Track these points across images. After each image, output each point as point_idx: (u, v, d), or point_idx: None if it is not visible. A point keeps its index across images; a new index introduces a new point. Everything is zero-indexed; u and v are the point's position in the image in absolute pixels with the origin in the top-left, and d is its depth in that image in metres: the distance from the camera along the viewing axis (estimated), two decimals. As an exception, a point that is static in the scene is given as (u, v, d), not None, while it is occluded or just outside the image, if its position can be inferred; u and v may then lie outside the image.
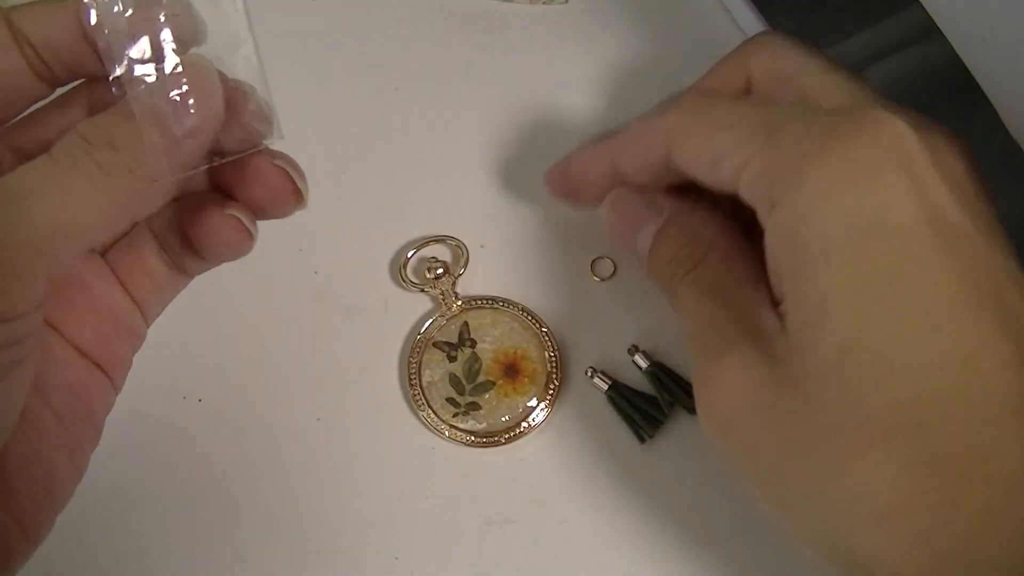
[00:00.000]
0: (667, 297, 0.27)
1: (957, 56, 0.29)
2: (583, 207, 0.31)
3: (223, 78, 0.22)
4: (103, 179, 0.20)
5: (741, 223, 0.27)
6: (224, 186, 0.25)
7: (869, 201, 0.21)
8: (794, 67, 0.26)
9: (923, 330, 0.20)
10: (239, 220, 0.25)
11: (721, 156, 0.24)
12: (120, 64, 0.21)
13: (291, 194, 0.25)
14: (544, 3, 0.37)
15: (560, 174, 0.31)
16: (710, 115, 0.25)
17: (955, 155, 0.22)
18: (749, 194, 0.23)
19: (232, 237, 0.25)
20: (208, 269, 0.27)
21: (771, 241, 0.23)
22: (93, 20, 0.21)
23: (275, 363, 0.32)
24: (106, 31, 0.21)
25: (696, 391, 0.24)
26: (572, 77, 0.36)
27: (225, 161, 0.23)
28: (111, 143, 0.21)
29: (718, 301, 0.24)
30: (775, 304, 0.23)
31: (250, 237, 0.25)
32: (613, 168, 0.28)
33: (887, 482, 0.19)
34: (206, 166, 0.23)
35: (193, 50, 0.22)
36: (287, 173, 0.25)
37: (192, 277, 0.27)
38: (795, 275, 0.22)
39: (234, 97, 0.23)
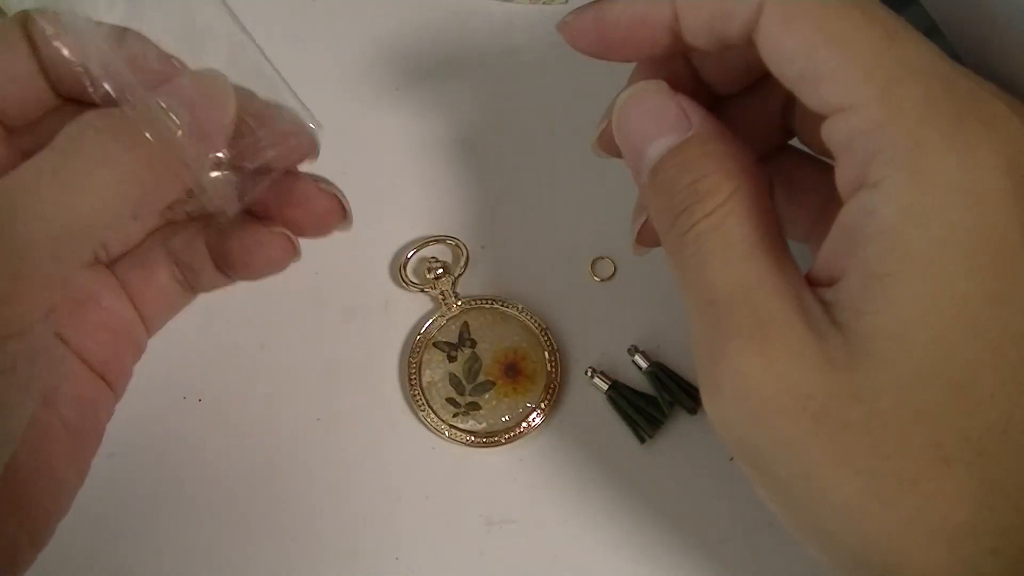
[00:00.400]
0: (668, 239, 0.22)
1: (957, 56, 0.29)
2: (610, 60, 0.24)
3: (251, 97, 0.23)
4: (108, 165, 0.19)
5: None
6: (263, 209, 0.25)
7: (980, 214, 0.18)
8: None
9: (1010, 361, 0.19)
10: (287, 237, 0.25)
11: (818, 77, 0.19)
12: (117, 91, 0.21)
13: (338, 216, 0.26)
14: (544, 3, 0.37)
15: (596, 15, 0.23)
16: (820, 13, 0.19)
17: None
18: (837, 141, 0.20)
19: (278, 254, 0.25)
20: (220, 287, 0.27)
21: (855, 219, 0.19)
22: (67, 51, 0.21)
23: (275, 363, 0.32)
24: (92, 64, 0.21)
25: (713, 368, 0.20)
26: (573, 77, 0.36)
27: (268, 180, 0.24)
28: (117, 128, 0.20)
29: (749, 263, 0.20)
30: (811, 283, 0.20)
31: (295, 253, 0.26)
32: (673, 15, 0.22)
33: (947, 507, 0.19)
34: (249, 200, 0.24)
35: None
36: (336, 197, 0.25)
37: (197, 294, 0.27)
38: (883, 274, 0.19)
39: (263, 112, 0.23)
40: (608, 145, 0.26)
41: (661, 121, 0.22)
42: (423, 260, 0.33)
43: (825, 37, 0.19)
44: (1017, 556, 0.19)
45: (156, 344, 0.32)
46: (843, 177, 0.20)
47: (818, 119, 0.20)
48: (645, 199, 0.23)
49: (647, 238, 0.26)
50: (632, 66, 0.26)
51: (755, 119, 0.24)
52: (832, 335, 0.19)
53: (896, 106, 0.18)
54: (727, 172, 0.21)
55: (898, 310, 0.19)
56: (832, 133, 0.20)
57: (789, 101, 0.26)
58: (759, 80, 0.25)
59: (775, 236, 0.21)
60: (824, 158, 0.26)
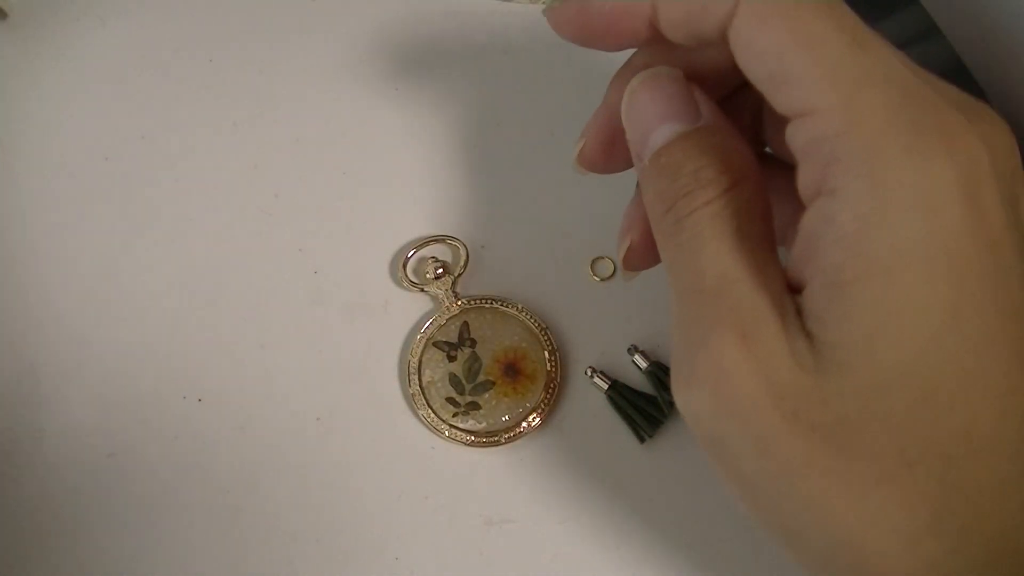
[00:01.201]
0: (663, 222, 0.22)
1: (957, 56, 0.29)
2: (593, 48, 0.25)
3: None
4: None
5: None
6: None
7: (936, 226, 0.18)
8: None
9: (968, 369, 0.19)
10: None
11: (786, 79, 0.20)
12: None
13: None
14: (544, 3, 0.37)
15: (580, 5, 0.24)
16: (793, 16, 0.20)
17: (1012, 169, 0.20)
18: (799, 146, 0.20)
19: None
20: None
21: (815, 226, 0.19)
22: None
23: (275, 363, 0.32)
24: None
25: (691, 357, 0.21)
26: (572, 77, 0.36)
27: None
28: None
29: (740, 256, 0.21)
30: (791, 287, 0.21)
31: None
32: (652, 9, 0.22)
33: (909, 508, 0.19)
34: None
35: None
36: None
37: None
38: (843, 282, 0.19)
39: None
40: (587, 161, 0.26)
41: (672, 106, 0.23)
42: (423, 260, 0.33)
43: (795, 39, 0.19)
44: (976, 556, 0.19)
45: (156, 344, 0.32)
46: (804, 182, 0.20)
47: (785, 126, 0.20)
48: (641, 181, 0.23)
49: (633, 262, 0.26)
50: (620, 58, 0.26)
51: None
52: (802, 340, 0.20)
53: (858, 114, 0.19)
54: (731, 165, 0.21)
55: (859, 320, 0.19)
56: (795, 137, 0.20)
57: (758, 113, 0.26)
58: (730, 94, 0.25)
59: (767, 234, 0.21)
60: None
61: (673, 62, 0.24)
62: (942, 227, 0.18)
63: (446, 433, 0.31)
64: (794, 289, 0.21)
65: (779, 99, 0.20)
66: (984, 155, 0.19)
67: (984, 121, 0.20)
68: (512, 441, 0.31)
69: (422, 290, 0.33)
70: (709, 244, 0.21)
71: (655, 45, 0.24)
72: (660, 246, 0.22)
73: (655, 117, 0.23)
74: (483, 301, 0.32)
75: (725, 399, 0.20)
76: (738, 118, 0.26)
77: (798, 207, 0.24)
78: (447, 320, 0.32)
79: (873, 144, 0.19)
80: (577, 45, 0.25)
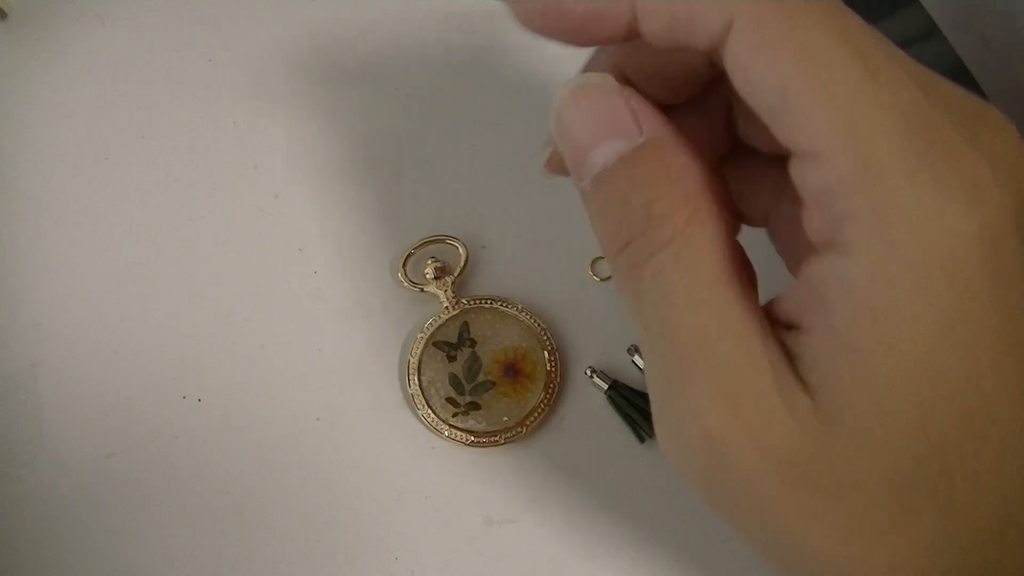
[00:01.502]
0: (618, 264, 0.20)
1: (957, 56, 0.29)
2: (567, 44, 0.21)
3: None
4: None
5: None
6: None
7: (957, 292, 0.17)
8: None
9: (974, 423, 0.18)
10: None
11: (789, 114, 0.18)
12: None
13: None
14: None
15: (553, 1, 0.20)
16: (797, 42, 0.17)
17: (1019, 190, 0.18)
18: (805, 189, 0.18)
19: None
20: None
21: (825, 278, 0.18)
22: None
23: (275, 363, 0.32)
24: None
25: (678, 418, 0.19)
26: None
27: None
28: None
29: (713, 305, 0.19)
30: (770, 317, 0.19)
31: None
32: (632, 14, 0.19)
33: (916, 552, 0.19)
34: None
35: None
36: None
37: None
38: (858, 348, 0.18)
39: None
40: (556, 167, 0.24)
41: (608, 122, 0.20)
42: (423, 260, 0.33)
43: (800, 70, 0.17)
44: None
45: (156, 344, 0.32)
46: (812, 226, 0.18)
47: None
48: (585, 206, 0.21)
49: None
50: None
51: (697, 131, 0.22)
52: (800, 397, 0.18)
53: (869, 162, 0.17)
54: (684, 192, 0.19)
55: (873, 389, 0.18)
56: (801, 178, 0.18)
57: (731, 111, 0.24)
58: (701, 91, 0.24)
59: (736, 265, 0.19)
60: (776, 152, 0.25)
61: (649, 58, 0.22)
62: (963, 293, 0.17)
63: (446, 433, 0.31)
64: (782, 323, 0.19)
65: (783, 134, 0.18)
66: (1008, 203, 0.18)
67: (1000, 137, 0.18)
68: (512, 441, 0.31)
69: (422, 290, 0.33)
70: (678, 295, 0.19)
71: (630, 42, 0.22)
72: (618, 290, 0.20)
73: (590, 135, 0.20)
74: (483, 301, 0.32)
75: (718, 468, 0.19)
76: (709, 117, 0.24)
77: (778, 188, 0.22)
78: (447, 320, 0.32)
79: (888, 199, 0.17)
80: (549, 38, 0.21)
